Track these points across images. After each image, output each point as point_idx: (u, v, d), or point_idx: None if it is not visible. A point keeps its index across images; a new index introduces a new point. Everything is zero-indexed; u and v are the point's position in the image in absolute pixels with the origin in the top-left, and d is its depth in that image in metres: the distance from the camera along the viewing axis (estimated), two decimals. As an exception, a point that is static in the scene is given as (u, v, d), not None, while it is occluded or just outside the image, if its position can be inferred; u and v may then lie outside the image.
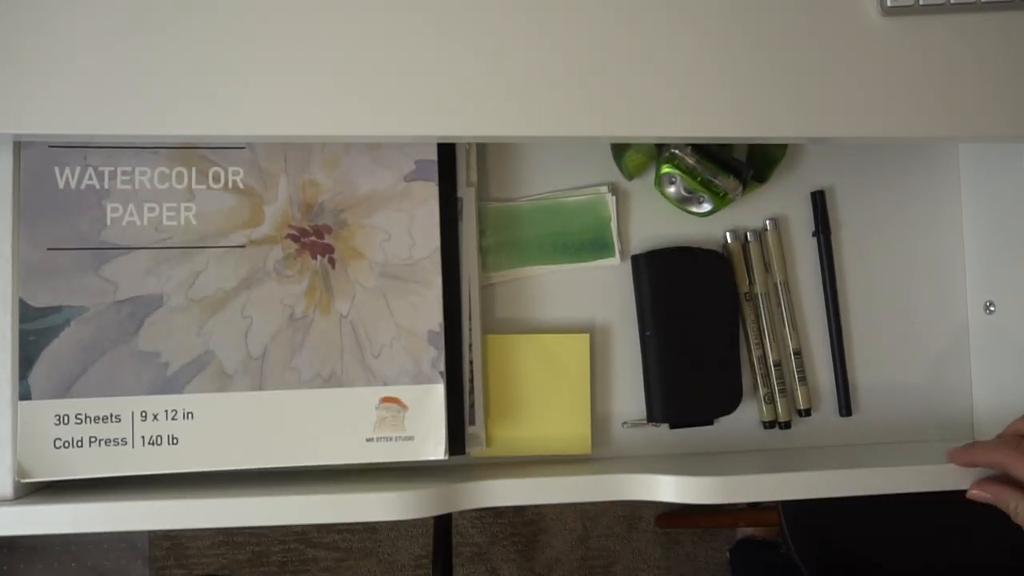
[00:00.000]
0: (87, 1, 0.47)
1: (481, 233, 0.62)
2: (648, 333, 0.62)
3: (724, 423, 0.64)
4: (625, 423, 0.63)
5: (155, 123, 0.47)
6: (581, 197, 0.63)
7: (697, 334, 0.62)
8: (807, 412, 0.64)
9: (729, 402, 0.62)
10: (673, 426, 0.62)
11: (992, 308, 0.65)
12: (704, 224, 0.64)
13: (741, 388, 0.63)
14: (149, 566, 1.34)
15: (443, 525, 1.09)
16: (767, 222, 0.65)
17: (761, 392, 0.64)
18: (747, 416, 0.65)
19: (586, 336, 0.62)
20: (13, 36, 0.46)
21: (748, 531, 1.37)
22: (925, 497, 0.55)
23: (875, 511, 0.91)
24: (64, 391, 0.52)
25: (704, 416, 0.63)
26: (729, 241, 0.64)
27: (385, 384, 0.55)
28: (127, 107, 0.47)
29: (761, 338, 0.64)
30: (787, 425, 0.64)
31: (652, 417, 0.62)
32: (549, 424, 0.61)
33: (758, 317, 0.64)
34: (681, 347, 0.61)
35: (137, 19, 0.47)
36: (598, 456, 0.63)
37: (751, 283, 0.64)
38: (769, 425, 0.64)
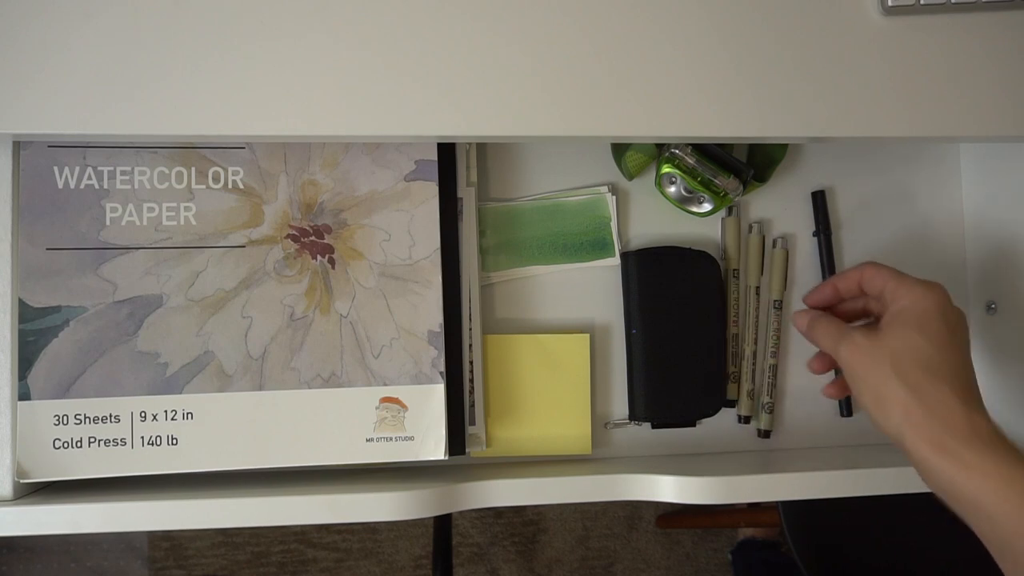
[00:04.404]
0: (87, 1, 0.47)
1: (481, 233, 0.62)
2: (634, 331, 0.62)
3: (726, 423, 0.64)
4: (607, 424, 0.63)
5: (155, 123, 0.47)
6: (581, 197, 0.63)
7: (683, 334, 0.62)
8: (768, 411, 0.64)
9: (712, 404, 0.62)
10: (655, 426, 0.62)
11: (994, 308, 0.65)
12: (704, 224, 0.64)
13: (725, 391, 0.63)
14: (148, 567, 1.34)
15: (443, 525, 1.09)
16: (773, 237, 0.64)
17: (762, 402, 0.64)
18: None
19: (586, 336, 0.62)
20: (13, 36, 0.46)
21: (748, 532, 1.37)
22: (925, 498, 0.55)
23: (875, 511, 0.91)
24: (63, 391, 0.52)
25: (686, 417, 0.62)
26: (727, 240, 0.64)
27: (385, 384, 0.55)
28: (127, 107, 0.47)
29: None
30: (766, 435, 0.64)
31: (634, 416, 0.62)
32: (549, 424, 0.61)
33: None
34: (666, 346, 0.61)
35: (137, 19, 0.47)
36: (598, 456, 0.63)
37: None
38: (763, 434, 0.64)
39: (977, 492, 0.43)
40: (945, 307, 0.50)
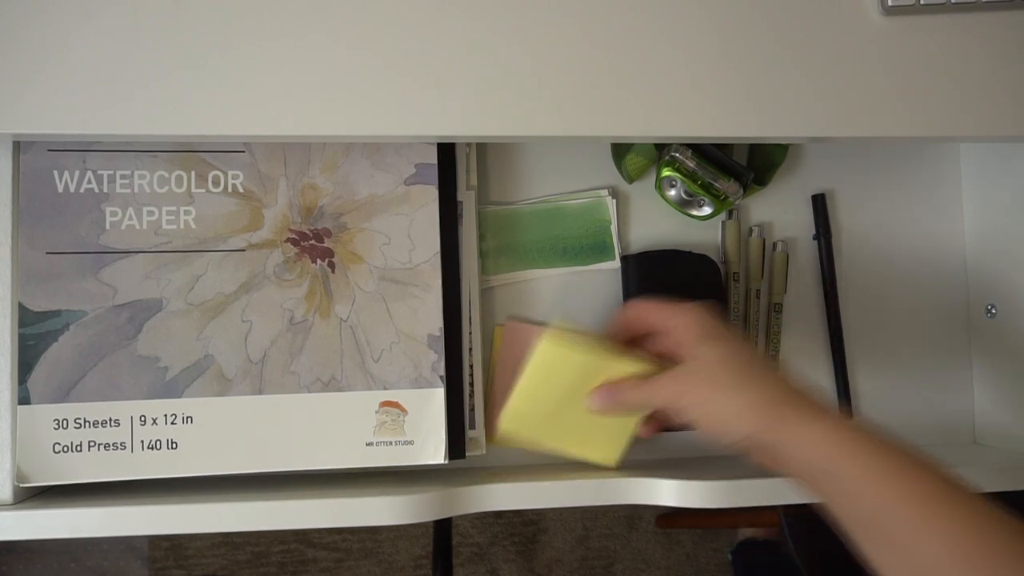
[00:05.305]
0: (87, 1, 0.47)
1: (481, 236, 0.62)
2: None
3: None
4: None
5: (155, 123, 0.47)
6: (581, 200, 0.63)
7: None
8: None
9: None
10: None
11: (993, 311, 0.65)
12: (705, 227, 0.64)
13: None
14: (148, 567, 1.34)
15: (443, 526, 1.09)
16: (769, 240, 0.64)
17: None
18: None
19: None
20: (13, 36, 0.46)
21: (749, 532, 1.37)
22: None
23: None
24: (63, 395, 0.52)
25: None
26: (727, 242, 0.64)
27: (385, 388, 0.54)
28: (127, 107, 0.47)
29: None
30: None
31: None
32: (580, 432, 0.57)
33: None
34: None
35: (137, 19, 0.47)
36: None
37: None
38: None
39: (829, 460, 0.45)
40: (710, 319, 0.52)
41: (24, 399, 0.51)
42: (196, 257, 0.54)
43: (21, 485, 0.51)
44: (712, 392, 0.49)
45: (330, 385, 0.54)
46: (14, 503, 0.52)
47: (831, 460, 0.45)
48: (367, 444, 0.54)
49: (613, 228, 0.63)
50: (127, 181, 0.53)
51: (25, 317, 0.52)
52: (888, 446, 0.44)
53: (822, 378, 0.65)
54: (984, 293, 0.66)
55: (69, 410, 0.52)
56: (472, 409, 0.58)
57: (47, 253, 0.52)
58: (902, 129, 0.52)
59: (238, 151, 0.55)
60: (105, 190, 0.53)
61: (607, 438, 0.57)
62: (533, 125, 0.50)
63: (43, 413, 0.51)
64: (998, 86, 0.52)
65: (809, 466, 0.46)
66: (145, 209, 0.53)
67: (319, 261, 0.55)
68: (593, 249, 0.63)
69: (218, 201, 0.54)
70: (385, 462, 0.54)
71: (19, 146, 0.53)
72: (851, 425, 0.45)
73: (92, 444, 0.52)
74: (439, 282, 0.56)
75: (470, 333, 0.58)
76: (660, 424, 0.57)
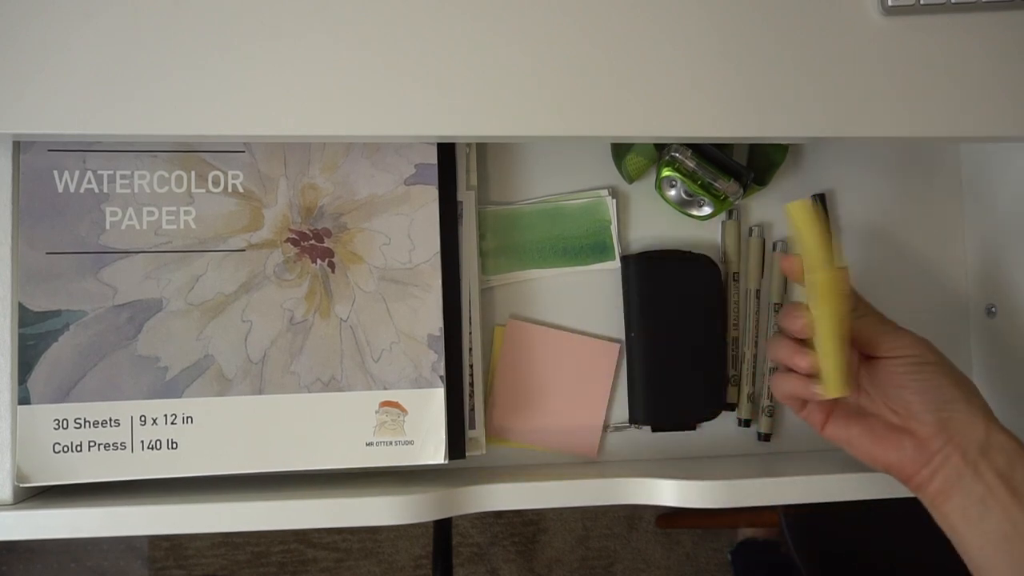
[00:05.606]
0: (86, 1, 0.47)
1: (481, 236, 0.62)
2: (632, 334, 0.61)
3: (727, 427, 0.64)
4: (607, 427, 0.63)
5: (155, 123, 0.47)
6: (581, 200, 0.63)
7: (683, 338, 0.61)
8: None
9: (712, 408, 0.62)
10: (654, 429, 0.62)
11: (994, 311, 0.64)
12: (705, 227, 0.64)
13: (725, 394, 0.63)
14: (148, 567, 1.34)
15: (443, 526, 1.10)
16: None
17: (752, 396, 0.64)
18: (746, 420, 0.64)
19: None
20: (13, 36, 0.46)
21: (749, 532, 1.37)
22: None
23: (875, 512, 0.90)
24: (63, 395, 0.52)
25: (686, 420, 0.62)
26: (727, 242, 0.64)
27: (385, 388, 0.54)
28: (127, 107, 0.47)
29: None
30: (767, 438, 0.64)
31: (633, 419, 0.62)
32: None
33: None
34: (666, 350, 0.61)
35: (137, 19, 0.47)
36: (599, 459, 0.63)
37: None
38: (748, 425, 0.64)
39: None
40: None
41: (24, 399, 0.51)
42: (196, 257, 0.54)
43: (21, 485, 0.51)
44: (938, 366, 0.50)
45: (330, 385, 0.54)
46: (14, 503, 0.52)
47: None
48: (367, 444, 0.54)
49: (613, 228, 0.63)
50: (127, 181, 0.53)
51: (25, 317, 0.52)
52: None
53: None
54: (984, 293, 0.65)
55: (69, 410, 0.52)
56: (472, 409, 0.58)
57: (47, 253, 0.52)
58: (902, 129, 0.52)
59: (238, 151, 0.55)
60: (105, 190, 0.53)
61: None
62: (533, 125, 0.50)
63: (43, 413, 0.51)
64: (998, 86, 0.52)
65: (990, 468, 0.48)
66: (145, 209, 0.53)
67: (319, 261, 0.55)
68: (593, 249, 0.63)
69: (218, 201, 0.54)
70: (385, 462, 0.54)
71: (19, 146, 0.53)
72: None
73: (92, 444, 0.52)
74: (439, 282, 0.56)
75: (470, 333, 0.58)
76: (829, 411, 0.53)
